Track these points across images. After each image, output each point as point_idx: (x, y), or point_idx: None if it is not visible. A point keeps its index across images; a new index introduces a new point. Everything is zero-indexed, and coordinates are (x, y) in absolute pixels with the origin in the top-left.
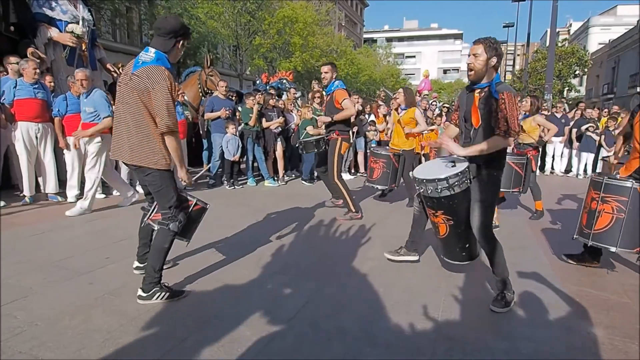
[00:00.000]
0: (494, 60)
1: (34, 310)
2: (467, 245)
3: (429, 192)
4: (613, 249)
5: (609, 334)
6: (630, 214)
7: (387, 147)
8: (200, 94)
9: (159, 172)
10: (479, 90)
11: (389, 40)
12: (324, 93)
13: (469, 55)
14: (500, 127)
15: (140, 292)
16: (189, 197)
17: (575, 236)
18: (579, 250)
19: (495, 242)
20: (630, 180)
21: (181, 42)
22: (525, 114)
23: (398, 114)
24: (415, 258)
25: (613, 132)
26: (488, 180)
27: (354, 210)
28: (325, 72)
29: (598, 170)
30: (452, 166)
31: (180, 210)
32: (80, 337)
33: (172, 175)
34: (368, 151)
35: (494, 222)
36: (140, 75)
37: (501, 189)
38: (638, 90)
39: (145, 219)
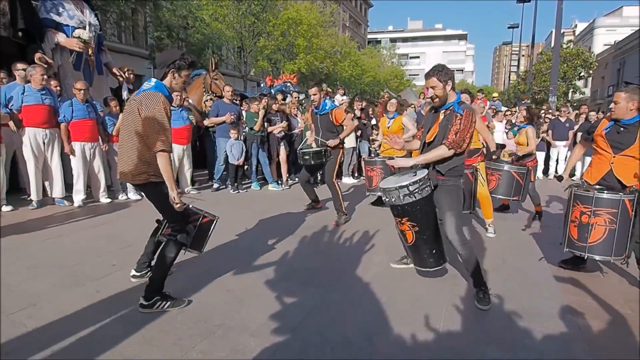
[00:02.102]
0: (449, 83)
1: (42, 317)
2: (434, 251)
3: (393, 200)
4: (609, 259)
5: (609, 346)
6: (620, 225)
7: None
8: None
9: (157, 189)
10: (444, 110)
11: (393, 40)
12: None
13: (427, 89)
14: (448, 138)
15: (142, 301)
16: (197, 211)
17: (566, 249)
18: (566, 255)
19: (469, 247)
20: (619, 193)
21: (172, 72)
22: (521, 124)
23: (387, 122)
24: None
25: None
26: (450, 188)
27: (344, 212)
28: (315, 94)
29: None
30: (414, 176)
31: (188, 223)
32: (89, 346)
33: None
34: (363, 161)
35: (492, 226)
36: (138, 100)
37: (502, 197)
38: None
39: (158, 234)
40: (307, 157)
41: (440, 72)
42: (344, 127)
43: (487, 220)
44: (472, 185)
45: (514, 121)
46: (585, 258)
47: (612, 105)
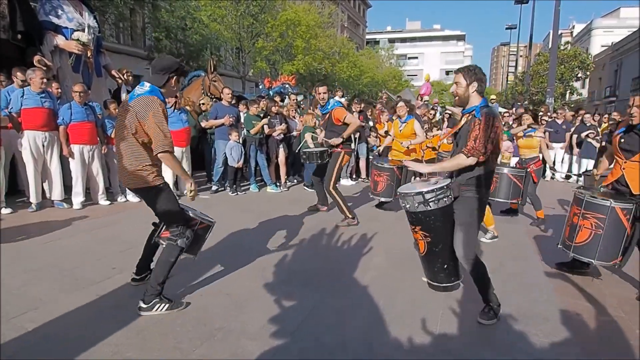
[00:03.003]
0: (474, 85)
1: (44, 322)
2: (445, 267)
3: (407, 206)
4: (591, 261)
5: (604, 349)
6: (608, 231)
7: (388, 159)
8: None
9: (155, 192)
10: (466, 114)
11: (392, 41)
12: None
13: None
14: (467, 145)
15: (141, 304)
16: (192, 216)
17: (559, 246)
18: (566, 257)
19: (480, 266)
20: (610, 199)
21: (174, 78)
22: (529, 129)
23: (400, 125)
24: None
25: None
26: (468, 200)
27: (350, 217)
28: (324, 93)
29: (581, 182)
30: (435, 184)
31: (188, 227)
32: (90, 351)
33: (170, 194)
34: (371, 164)
35: (492, 232)
36: (134, 105)
37: (500, 200)
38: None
39: (155, 236)
40: (304, 157)
41: (470, 71)
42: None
43: (488, 227)
44: None
45: (510, 122)
46: (571, 257)
47: (634, 110)
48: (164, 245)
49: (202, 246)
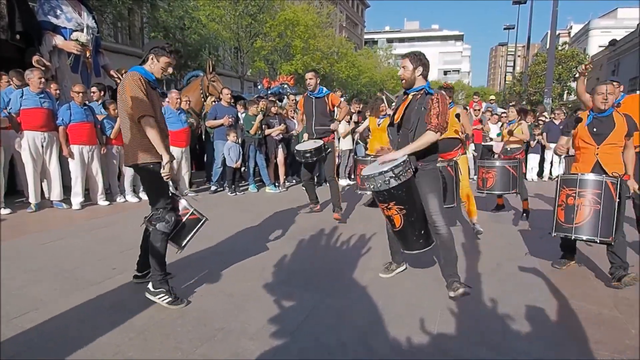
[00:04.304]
0: (419, 69)
1: (44, 322)
2: (422, 232)
3: (378, 186)
4: (595, 239)
5: (598, 349)
6: (605, 205)
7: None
8: (202, 99)
9: (147, 170)
10: (413, 93)
11: (390, 41)
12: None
13: (400, 68)
14: (432, 122)
15: (149, 286)
16: (186, 206)
17: (554, 233)
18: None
19: (449, 229)
20: (602, 175)
21: (152, 57)
22: (511, 120)
23: (377, 121)
24: (404, 267)
25: None
26: (430, 172)
27: (339, 209)
28: (311, 79)
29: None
30: (396, 160)
31: (169, 212)
32: (91, 351)
33: (160, 176)
34: (355, 159)
35: (476, 225)
36: (120, 83)
37: (502, 192)
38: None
39: (145, 219)
40: (307, 154)
41: (416, 56)
42: (338, 112)
43: (472, 218)
44: (453, 180)
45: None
46: (573, 239)
47: (598, 97)
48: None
49: (188, 239)
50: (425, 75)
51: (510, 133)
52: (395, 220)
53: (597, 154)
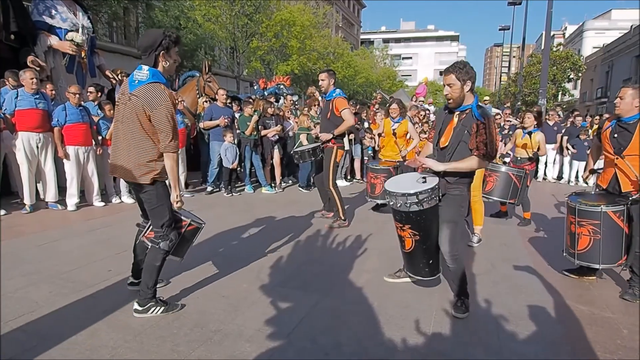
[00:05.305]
0: (468, 84)
1: (41, 325)
2: (431, 262)
3: (398, 205)
4: (597, 266)
5: (592, 348)
6: (605, 235)
7: (382, 160)
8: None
9: (156, 189)
10: (459, 112)
11: (386, 41)
12: (319, 98)
13: (444, 86)
14: (480, 149)
15: (136, 306)
16: (183, 218)
17: (564, 254)
18: (572, 264)
19: (460, 261)
20: (600, 205)
21: (162, 53)
22: (529, 129)
23: (392, 124)
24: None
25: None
26: (455, 198)
27: (342, 219)
28: (322, 80)
29: (572, 184)
30: (423, 181)
31: (173, 230)
32: (88, 353)
33: (168, 194)
34: (366, 167)
35: (479, 235)
36: (139, 95)
37: (499, 199)
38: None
39: (140, 236)
40: (297, 156)
41: (461, 70)
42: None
43: (476, 227)
44: None
45: (501, 124)
46: (576, 265)
47: (617, 100)
48: (149, 248)
49: (189, 248)
50: (473, 88)
51: (525, 146)
52: (406, 242)
53: (615, 165)
